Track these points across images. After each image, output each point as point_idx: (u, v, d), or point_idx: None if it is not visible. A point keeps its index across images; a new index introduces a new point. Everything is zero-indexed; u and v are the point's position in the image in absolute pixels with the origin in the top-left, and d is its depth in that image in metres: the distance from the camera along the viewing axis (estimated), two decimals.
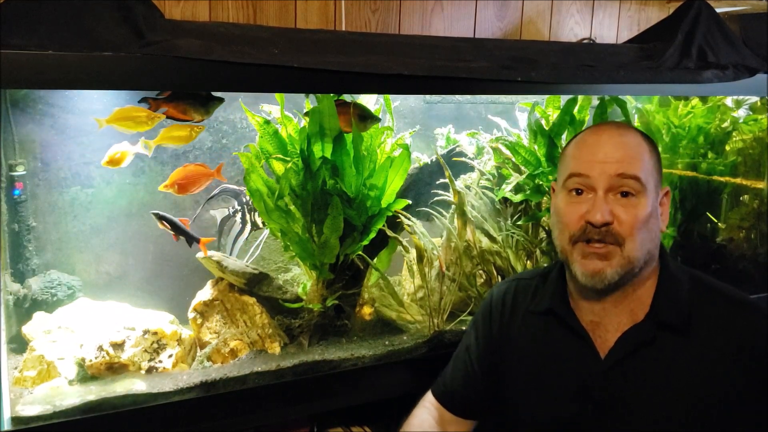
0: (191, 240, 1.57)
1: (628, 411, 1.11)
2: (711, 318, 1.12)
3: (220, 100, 1.44)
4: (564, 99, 1.76)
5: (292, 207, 1.57)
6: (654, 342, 1.12)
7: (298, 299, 1.66)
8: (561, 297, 1.22)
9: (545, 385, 1.20)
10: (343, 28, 1.81)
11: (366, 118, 1.52)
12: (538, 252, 1.82)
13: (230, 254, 1.69)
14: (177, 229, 1.57)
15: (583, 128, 1.25)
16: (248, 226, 1.70)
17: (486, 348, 1.31)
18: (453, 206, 1.74)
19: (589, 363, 1.15)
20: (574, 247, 1.14)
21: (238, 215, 1.70)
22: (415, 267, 1.69)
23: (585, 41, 2.19)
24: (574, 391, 1.16)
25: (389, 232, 1.63)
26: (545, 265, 1.76)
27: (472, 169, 1.90)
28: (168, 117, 1.41)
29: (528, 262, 1.82)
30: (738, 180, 2.07)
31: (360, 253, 1.62)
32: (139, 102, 1.39)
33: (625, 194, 1.11)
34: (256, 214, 1.69)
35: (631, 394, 1.11)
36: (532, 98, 1.84)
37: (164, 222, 1.56)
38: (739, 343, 1.08)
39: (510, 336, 1.28)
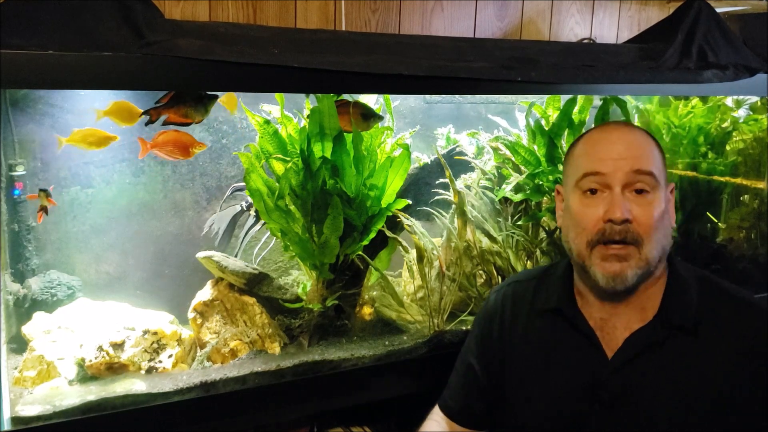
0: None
1: (634, 411, 1.11)
2: (719, 319, 1.12)
3: (215, 97, 1.44)
4: (564, 99, 1.76)
5: (292, 207, 1.57)
6: (662, 343, 1.12)
7: (298, 299, 1.66)
8: (568, 295, 1.22)
9: (550, 385, 1.20)
10: (343, 28, 1.81)
11: (369, 116, 1.52)
12: (538, 252, 1.82)
13: (240, 244, 1.70)
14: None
15: (585, 130, 1.26)
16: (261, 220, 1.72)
17: (488, 355, 1.30)
18: (453, 206, 1.74)
19: (596, 363, 1.15)
20: (592, 251, 1.13)
21: (253, 209, 1.71)
22: (415, 267, 1.69)
23: (585, 41, 2.19)
24: (580, 391, 1.15)
25: (388, 233, 1.63)
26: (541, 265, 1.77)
27: (472, 169, 1.90)
28: (169, 123, 1.41)
29: (528, 262, 1.82)
30: (738, 180, 2.07)
31: (360, 253, 1.62)
32: (141, 115, 1.39)
33: (639, 191, 1.12)
34: None
35: (638, 394, 1.11)
36: (532, 98, 1.84)
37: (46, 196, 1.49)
38: (745, 345, 1.09)
39: (512, 339, 1.27)
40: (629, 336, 1.14)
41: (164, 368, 1.46)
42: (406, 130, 1.77)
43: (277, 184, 1.55)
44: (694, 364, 1.10)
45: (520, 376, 1.25)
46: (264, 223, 1.70)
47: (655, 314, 1.14)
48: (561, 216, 1.24)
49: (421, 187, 1.80)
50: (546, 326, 1.23)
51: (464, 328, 1.68)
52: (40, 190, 1.49)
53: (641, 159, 1.12)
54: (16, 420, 1.25)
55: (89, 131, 1.43)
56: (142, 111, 1.39)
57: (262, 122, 1.56)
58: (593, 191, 1.14)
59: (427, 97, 2.01)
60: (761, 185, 2.08)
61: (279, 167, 1.56)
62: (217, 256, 1.62)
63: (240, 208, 1.72)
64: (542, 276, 1.30)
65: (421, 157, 1.87)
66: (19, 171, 1.55)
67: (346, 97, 1.52)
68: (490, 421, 1.32)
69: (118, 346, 1.43)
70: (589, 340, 1.17)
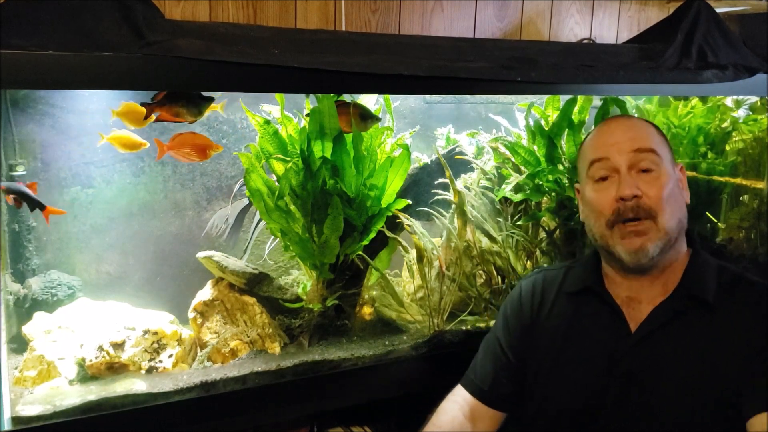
0: (35, 206, 1.47)
1: (655, 383, 1.15)
2: (736, 300, 1.18)
3: (211, 99, 1.44)
4: (563, 99, 1.76)
5: (292, 207, 1.57)
6: (683, 316, 1.18)
7: (298, 299, 1.66)
8: (596, 276, 1.29)
9: (575, 360, 1.25)
10: (343, 29, 1.81)
11: (367, 117, 1.52)
12: (538, 252, 1.82)
13: (251, 237, 1.71)
14: (24, 197, 1.46)
15: (585, 130, 1.32)
16: None
17: (518, 337, 1.35)
18: (453, 206, 1.74)
19: (620, 336, 1.21)
20: (612, 231, 1.20)
21: None
22: (415, 267, 1.69)
23: (585, 41, 2.19)
24: (602, 364, 1.20)
25: (388, 233, 1.63)
26: (545, 264, 1.77)
27: (472, 169, 1.90)
28: (160, 120, 1.41)
29: (528, 262, 1.82)
30: (738, 180, 2.07)
31: (360, 253, 1.62)
32: None
33: (645, 170, 1.19)
34: None
35: (659, 366, 1.16)
36: (531, 99, 1.84)
37: (10, 194, 1.46)
38: (761, 327, 1.13)
39: (540, 321, 1.32)
40: (654, 309, 1.20)
41: (164, 368, 1.46)
42: (406, 130, 1.77)
43: (277, 184, 1.55)
44: (712, 339, 1.15)
45: (545, 354, 1.29)
46: None
47: (677, 287, 1.20)
48: (582, 210, 1.30)
49: (421, 187, 1.80)
50: (572, 306, 1.29)
51: (464, 328, 1.68)
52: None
53: (640, 139, 1.21)
54: (16, 420, 1.25)
55: (124, 134, 1.49)
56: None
57: (263, 122, 1.56)
58: (604, 178, 1.22)
59: (427, 97, 2.02)
60: (761, 185, 2.08)
61: (279, 167, 1.56)
62: (217, 256, 1.62)
63: (248, 202, 1.72)
64: (571, 264, 1.38)
65: (421, 158, 1.87)
66: (19, 171, 1.55)
67: (346, 97, 1.52)
68: (515, 402, 1.35)
69: (119, 346, 1.43)
70: (614, 314, 1.23)
